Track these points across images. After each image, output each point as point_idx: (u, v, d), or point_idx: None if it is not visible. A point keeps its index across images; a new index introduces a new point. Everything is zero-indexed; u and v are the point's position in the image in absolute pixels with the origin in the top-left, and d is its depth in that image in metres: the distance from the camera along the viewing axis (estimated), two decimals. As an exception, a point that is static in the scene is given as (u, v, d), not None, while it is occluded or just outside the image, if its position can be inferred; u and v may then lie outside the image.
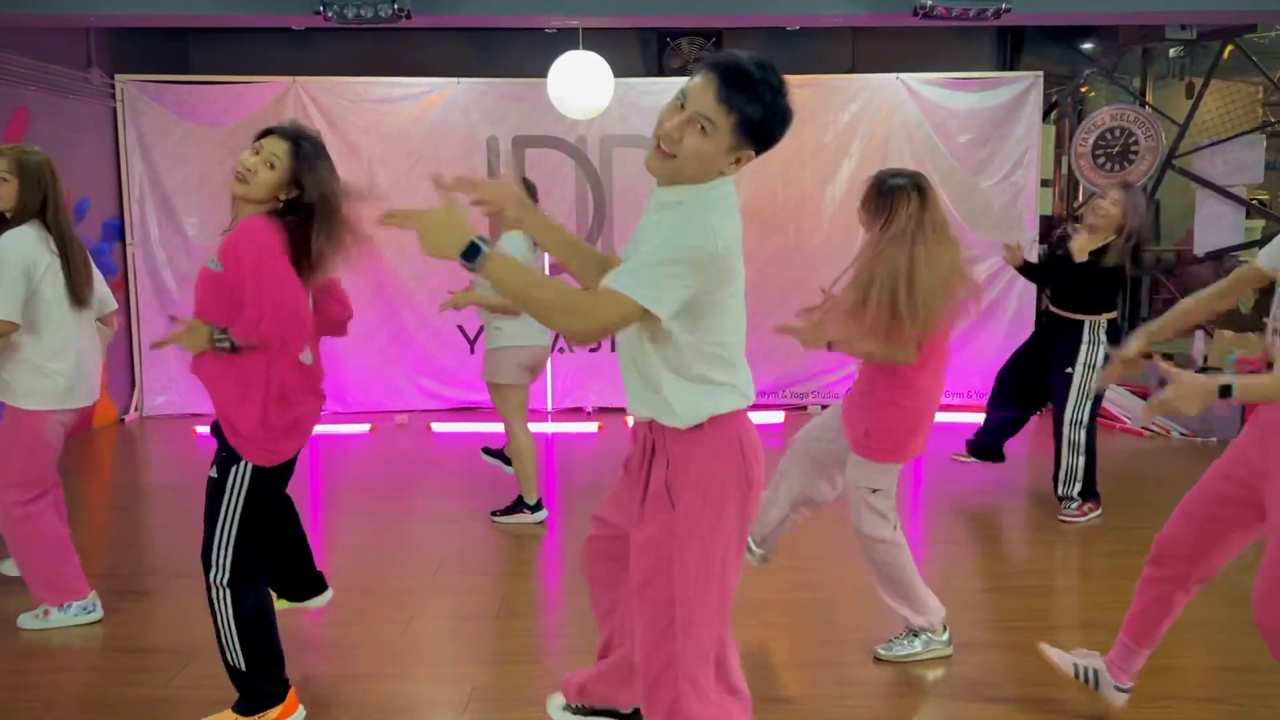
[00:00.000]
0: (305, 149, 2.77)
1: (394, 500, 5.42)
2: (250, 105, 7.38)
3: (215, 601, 2.81)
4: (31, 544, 3.58)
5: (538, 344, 4.73)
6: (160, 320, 7.47)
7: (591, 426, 7.14)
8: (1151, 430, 6.83)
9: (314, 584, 3.42)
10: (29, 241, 3.44)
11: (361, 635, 3.57)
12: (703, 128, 1.96)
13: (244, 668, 2.83)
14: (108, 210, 7.27)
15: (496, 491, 5.28)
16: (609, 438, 6.91)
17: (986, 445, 5.51)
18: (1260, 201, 7.82)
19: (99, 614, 3.72)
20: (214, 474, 2.83)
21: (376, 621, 3.56)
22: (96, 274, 3.69)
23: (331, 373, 7.47)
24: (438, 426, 7.23)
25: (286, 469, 2.92)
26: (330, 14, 4.80)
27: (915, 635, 3.36)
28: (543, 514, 4.90)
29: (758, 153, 2.03)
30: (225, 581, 2.80)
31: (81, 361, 3.58)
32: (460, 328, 7.67)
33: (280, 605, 3.37)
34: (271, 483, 2.87)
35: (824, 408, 3.87)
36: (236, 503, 2.79)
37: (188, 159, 7.39)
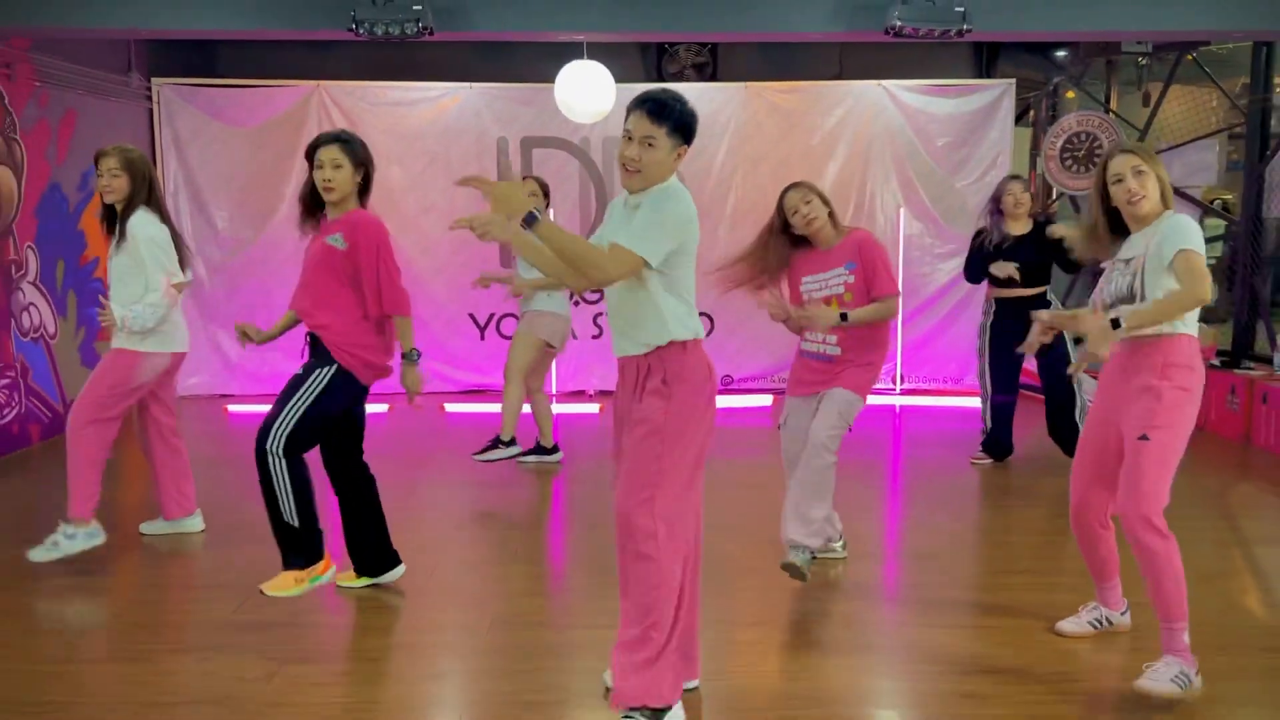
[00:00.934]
0: (349, 140, 3.64)
1: (413, 471, 5.96)
2: (277, 107, 7.93)
3: (272, 469, 3.43)
4: (81, 459, 4.21)
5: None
6: (193, 307, 7.99)
7: (593, 408, 7.69)
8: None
9: (390, 560, 3.99)
10: (156, 221, 4.24)
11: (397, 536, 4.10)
12: (650, 144, 2.74)
13: (298, 524, 3.46)
14: (144, 204, 7.81)
15: (509, 461, 5.85)
16: (610, 417, 7.46)
17: (1001, 441, 5.95)
18: (1223, 202, 8.35)
19: (102, 538, 4.29)
20: (300, 371, 3.56)
21: (409, 532, 4.11)
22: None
23: (352, 356, 8.02)
24: (450, 406, 7.79)
25: (358, 396, 3.68)
26: (362, 30, 5.33)
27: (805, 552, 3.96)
28: (517, 449, 5.65)
29: (688, 145, 2.80)
30: (280, 450, 3.43)
31: (177, 316, 4.37)
32: (471, 315, 8.23)
33: (360, 582, 3.93)
34: (345, 394, 3.59)
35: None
36: (311, 392, 3.49)
37: (218, 157, 7.93)
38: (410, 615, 3.79)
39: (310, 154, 3.62)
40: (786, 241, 4.14)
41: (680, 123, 2.75)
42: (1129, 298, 3.16)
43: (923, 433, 7.11)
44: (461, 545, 4.65)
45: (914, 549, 4.61)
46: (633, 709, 2.73)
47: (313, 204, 3.71)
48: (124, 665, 3.34)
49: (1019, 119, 8.50)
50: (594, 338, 8.16)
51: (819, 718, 3.00)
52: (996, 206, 5.71)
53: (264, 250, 7.93)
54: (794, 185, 4.14)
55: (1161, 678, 3.07)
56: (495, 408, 7.44)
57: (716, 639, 3.45)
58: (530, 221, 2.65)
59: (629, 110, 2.78)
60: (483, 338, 8.27)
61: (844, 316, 3.97)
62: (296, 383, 3.55)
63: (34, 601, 3.93)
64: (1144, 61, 8.58)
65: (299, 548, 3.51)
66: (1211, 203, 8.57)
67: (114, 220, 4.29)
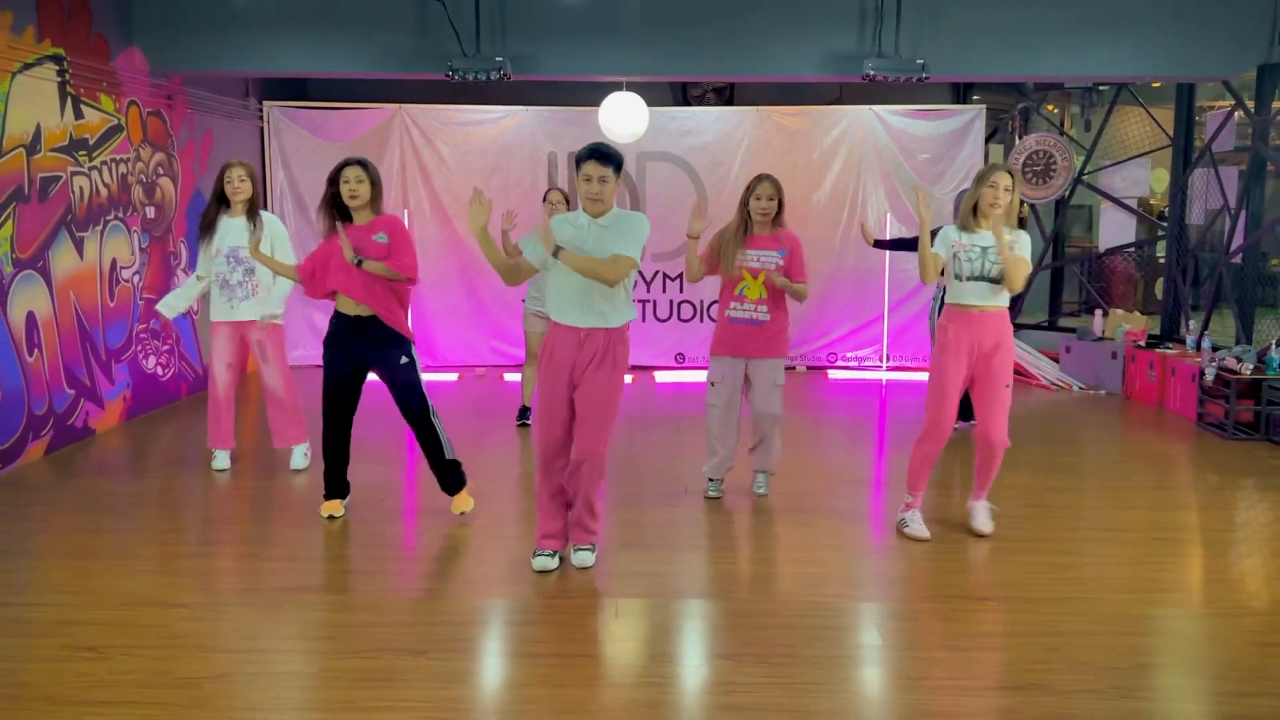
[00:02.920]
0: (368, 163, 4.86)
1: (480, 425, 7.50)
2: (366, 125, 9.49)
3: (436, 428, 4.93)
4: (299, 401, 5.95)
5: None
6: (295, 293, 9.53)
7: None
8: (1058, 385, 8.84)
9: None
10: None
11: (476, 488, 5.60)
12: (604, 180, 4.08)
13: (456, 458, 5.00)
14: (256, 206, 9.41)
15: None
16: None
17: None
18: (1161, 213, 9.73)
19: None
20: (405, 360, 4.87)
21: (483, 480, 5.65)
22: None
23: (426, 335, 9.62)
24: (509, 377, 9.34)
25: None
26: (455, 76, 6.86)
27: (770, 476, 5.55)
28: None
29: (619, 177, 4.13)
30: (435, 412, 4.95)
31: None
32: (524, 301, 9.73)
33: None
34: None
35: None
36: (419, 369, 4.92)
37: (316, 167, 9.47)
38: (494, 503, 5.34)
39: (336, 174, 4.69)
40: (742, 220, 5.16)
41: (619, 162, 4.09)
42: (995, 277, 4.54)
43: (904, 400, 8.58)
44: (518, 468, 6.19)
45: (895, 477, 6.12)
46: (591, 545, 4.39)
47: (335, 212, 4.77)
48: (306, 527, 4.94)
49: (991, 137, 9.96)
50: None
51: (805, 558, 4.55)
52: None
53: (353, 245, 9.50)
54: (769, 177, 5.16)
55: (985, 518, 4.85)
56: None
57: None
58: (556, 254, 4.01)
59: (581, 160, 4.04)
60: (534, 320, 9.80)
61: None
62: (413, 366, 4.87)
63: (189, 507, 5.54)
64: (1104, 88, 10.00)
65: (459, 474, 5.06)
66: (1159, 214, 9.95)
67: (215, 218, 5.66)
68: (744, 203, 5.23)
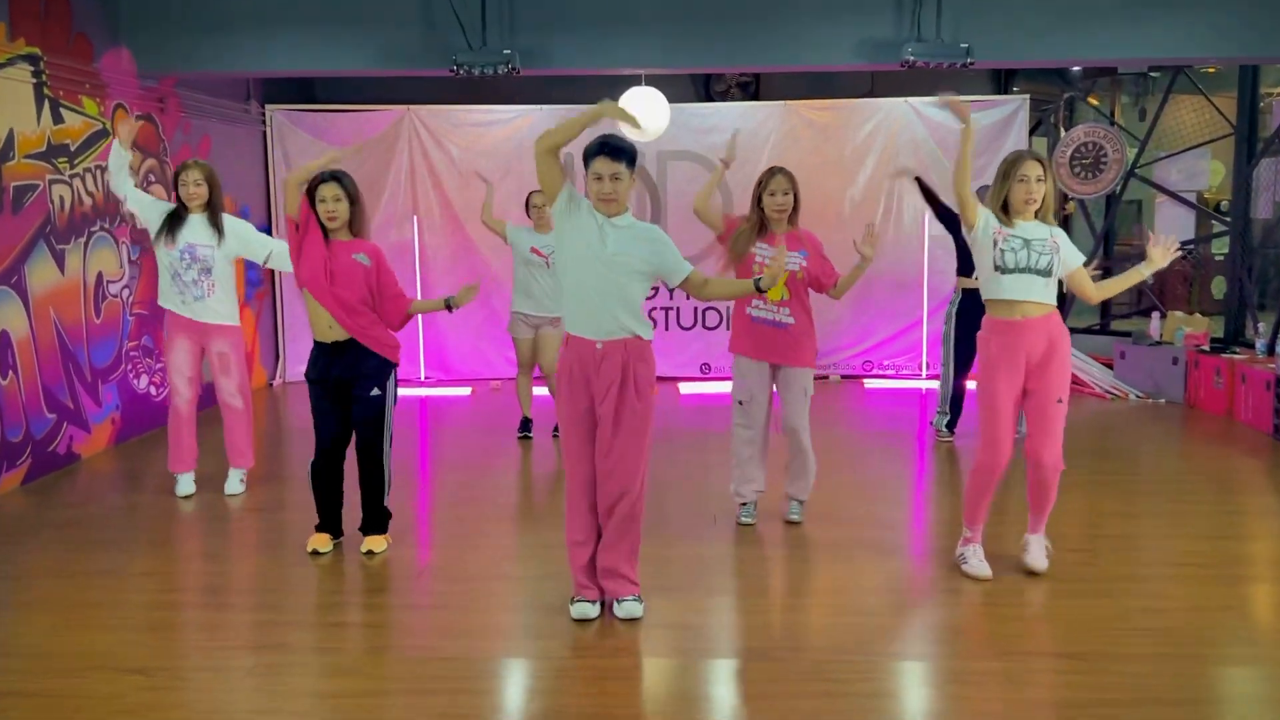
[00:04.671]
0: (344, 177, 4.35)
1: (493, 439, 7.03)
2: (373, 129, 9.04)
3: (385, 466, 4.51)
4: (250, 424, 5.58)
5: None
6: (298, 303, 9.14)
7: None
8: (1112, 394, 8.24)
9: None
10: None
11: (482, 493, 5.19)
12: (617, 177, 3.60)
13: (387, 506, 4.62)
14: (259, 214, 8.96)
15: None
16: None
17: (956, 416, 6.71)
18: (1217, 206, 9.09)
19: None
20: (376, 391, 4.41)
21: (492, 491, 5.16)
22: None
23: (439, 348, 9.18)
24: (523, 390, 8.86)
25: None
26: (461, 71, 6.38)
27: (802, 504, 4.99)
28: None
29: (633, 172, 3.67)
30: (390, 450, 4.52)
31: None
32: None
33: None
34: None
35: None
36: (395, 399, 4.50)
37: (322, 172, 9.06)
38: (500, 497, 4.86)
39: (311, 190, 4.27)
40: (758, 218, 4.71)
41: (632, 155, 3.63)
42: (1043, 269, 3.96)
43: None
44: (530, 473, 5.72)
45: (940, 501, 5.58)
46: (636, 595, 3.85)
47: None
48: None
49: (1035, 129, 9.36)
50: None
51: (846, 604, 4.02)
52: None
53: (361, 253, 9.05)
54: (782, 170, 4.70)
55: (1039, 555, 4.24)
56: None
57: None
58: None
59: (590, 156, 3.58)
60: (547, 330, 9.32)
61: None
62: (381, 401, 4.40)
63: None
64: (1156, 75, 9.37)
65: (384, 519, 4.66)
66: (1217, 206, 9.34)
67: (177, 222, 5.25)
68: (756, 199, 4.75)
